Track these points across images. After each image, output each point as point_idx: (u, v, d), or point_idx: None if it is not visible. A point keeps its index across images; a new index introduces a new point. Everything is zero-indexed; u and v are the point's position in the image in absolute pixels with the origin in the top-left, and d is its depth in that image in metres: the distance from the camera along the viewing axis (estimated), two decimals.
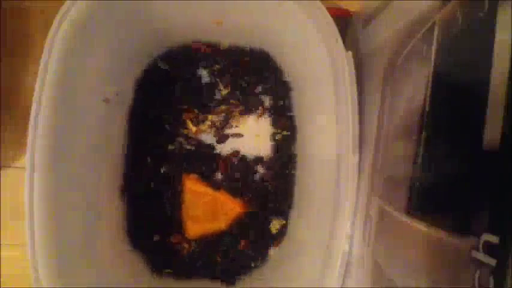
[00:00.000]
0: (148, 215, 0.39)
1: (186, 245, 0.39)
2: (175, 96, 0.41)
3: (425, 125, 0.21)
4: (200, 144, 0.41)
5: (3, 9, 0.40)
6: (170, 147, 0.40)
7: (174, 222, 0.39)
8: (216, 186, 0.40)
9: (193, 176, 0.40)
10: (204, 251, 0.39)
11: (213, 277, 0.39)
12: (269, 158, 0.41)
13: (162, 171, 0.40)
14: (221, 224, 0.39)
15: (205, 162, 0.40)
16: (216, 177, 0.40)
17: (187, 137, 0.41)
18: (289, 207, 0.40)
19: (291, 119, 0.41)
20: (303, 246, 0.35)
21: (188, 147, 0.41)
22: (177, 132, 0.41)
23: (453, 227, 0.17)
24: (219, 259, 0.39)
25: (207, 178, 0.40)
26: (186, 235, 0.39)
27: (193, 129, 0.40)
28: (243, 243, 0.39)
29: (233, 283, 0.38)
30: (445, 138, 0.19)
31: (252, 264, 0.39)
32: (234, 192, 0.40)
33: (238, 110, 0.41)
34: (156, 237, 0.39)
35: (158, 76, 0.40)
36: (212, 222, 0.39)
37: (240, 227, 0.39)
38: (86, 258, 0.32)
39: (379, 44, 0.29)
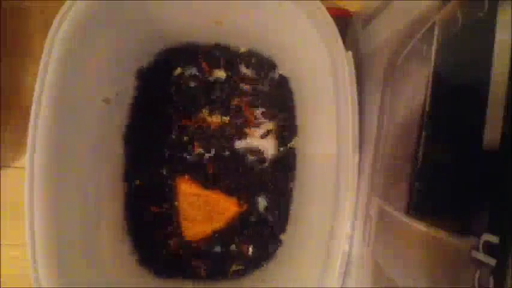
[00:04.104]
0: (148, 215, 0.39)
1: (184, 246, 0.39)
2: (176, 97, 0.41)
3: (425, 125, 0.21)
4: (199, 144, 0.41)
5: (3, 9, 0.40)
6: (170, 146, 0.40)
7: (173, 223, 0.39)
8: (211, 186, 0.40)
9: (186, 178, 0.39)
10: (203, 251, 0.39)
11: (212, 277, 0.39)
12: (268, 157, 0.41)
13: (162, 171, 0.40)
14: (218, 223, 0.39)
15: (203, 164, 0.40)
16: (210, 177, 0.40)
17: (187, 137, 0.41)
18: (288, 208, 0.40)
19: (291, 118, 0.41)
20: (303, 246, 0.35)
21: (187, 147, 0.41)
22: (178, 132, 0.41)
23: (453, 227, 0.17)
24: (217, 259, 0.39)
25: (201, 179, 0.40)
26: (184, 236, 0.39)
27: (213, 119, 0.40)
28: (241, 242, 0.39)
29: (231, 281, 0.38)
30: (445, 138, 0.19)
31: (252, 264, 0.39)
32: (230, 191, 0.40)
33: (238, 109, 0.41)
34: (155, 238, 0.39)
35: (158, 76, 0.40)
36: (209, 222, 0.39)
37: (237, 226, 0.39)
38: (86, 258, 0.32)
39: (379, 44, 0.29)
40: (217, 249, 0.40)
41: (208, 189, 0.39)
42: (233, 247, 0.40)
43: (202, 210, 0.39)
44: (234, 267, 0.39)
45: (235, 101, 0.41)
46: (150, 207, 0.39)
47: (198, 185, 0.39)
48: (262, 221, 0.40)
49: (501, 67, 0.15)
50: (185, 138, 0.41)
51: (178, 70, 0.41)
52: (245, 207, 0.40)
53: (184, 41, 0.40)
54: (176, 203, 0.39)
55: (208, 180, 0.40)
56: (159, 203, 0.40)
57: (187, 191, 0.39)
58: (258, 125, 0.41)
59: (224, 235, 0.39)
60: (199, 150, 0.41)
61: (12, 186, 0.40)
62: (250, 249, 0.39)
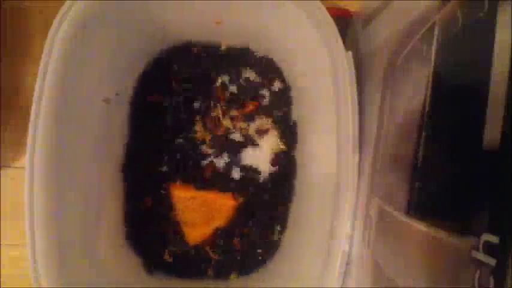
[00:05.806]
0: (148, 215, 0.39)
1: (185, 248, 0.39)
2: (175, 97, 0.41)
3: (425, 125, 0.21)
4: (198, 147, 0.41)
5: (3, 9, 0.40)
6: (170, 147, 0.40)
7: (173, 223, 0.39)
8: (205, 186, 0.39)
9: (177, 184, 0.39)
10: (203, 251, 0.39)
11: (213, 276, 0.39)
12: (268, 157, 0.40)
13: (162, 171, 0.40)
14: (218, 221, 0.39)
15: (199, 165, 0.40)
16: (204, 177, 0.40)
17: (187, 139, 0.41)
18: (288, 209, 0.40)
19: (290, 119, 0.41)
20: (304, 246, 0.35)
21: (187, 149, 0.41)
22: (177, 133, 0.40)
23: (453, 227, 0.17)
24: (218, 257, 0.39)
25: (195, 181, 0.40)
26: (186, 240, 0.39)
27: (202, 131, 0.40)
28: (242, 240, 0.39)
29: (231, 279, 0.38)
30: (445, 138, 0.19)
31: (253, 263, 0.39)
32: (226, 188, 0.39)
33: (239, 109, 0.41)
34: (156, 237, 0.39)
35: (158, 76, 0.40)
36: (209, 222, 0.39)
37: (238, 224, 0.39)
38: (86, 258, 0.32)
39: (379, 44, 0.29)
40: (219, 248, 0.40)
41: (202, 190, 0.39)
42: (234, 246, 0.40)
43: (201, 211, 0.39)
44: (236, 267, 0.39)
45: (237, 101, 0.41)
46: (150, 207, 0.39)
47: (191, 188, 0.39)
48: (262, 219, 0.40)
49: (501, 67, 0.15)
50: (185, 139, 0.41)
51: (178, 70, 0.41)
52: (241, 200, 0.39)
53: (184, 41, 0.40)
54: (173, 212, 0.39)
55: (204, 181, 0.40)
56: (160, 203, 0.40)
57: (182, 195, 0.39)
58: (259, 130, 0.41)
59: (226, 233, 0.39)
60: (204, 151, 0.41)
61: (12, 186, 0.40)
62: (250, 247, 0.39)
